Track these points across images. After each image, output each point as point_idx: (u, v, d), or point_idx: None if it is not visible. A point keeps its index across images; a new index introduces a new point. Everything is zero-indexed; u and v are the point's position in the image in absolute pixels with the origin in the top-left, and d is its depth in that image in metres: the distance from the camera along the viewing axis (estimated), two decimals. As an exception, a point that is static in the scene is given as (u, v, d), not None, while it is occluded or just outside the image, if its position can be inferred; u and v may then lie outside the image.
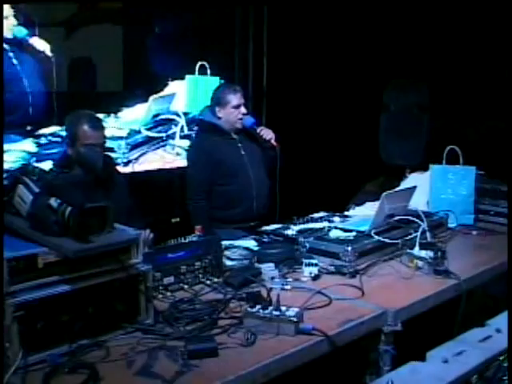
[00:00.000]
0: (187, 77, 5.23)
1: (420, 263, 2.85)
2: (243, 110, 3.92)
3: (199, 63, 5.24)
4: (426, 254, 2.86)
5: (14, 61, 4.23)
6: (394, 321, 2.39)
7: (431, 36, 5.58)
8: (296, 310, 2.20)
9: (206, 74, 5.28)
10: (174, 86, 5.16)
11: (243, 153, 3.95)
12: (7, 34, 4.19)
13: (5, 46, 4.17)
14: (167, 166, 5.13)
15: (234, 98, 3.89)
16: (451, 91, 5.47)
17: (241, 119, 3.93)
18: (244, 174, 3.91)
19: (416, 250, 2.91)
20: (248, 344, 2.07)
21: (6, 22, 4.13)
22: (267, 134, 3.95)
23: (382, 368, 2.37)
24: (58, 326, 1.98)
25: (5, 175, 2.25)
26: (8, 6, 4.13)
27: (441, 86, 5.50)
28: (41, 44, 4.32)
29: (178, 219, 5.26)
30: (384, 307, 2.41)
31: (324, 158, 5.64)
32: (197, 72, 5.26)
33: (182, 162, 5.14)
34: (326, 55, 5.80)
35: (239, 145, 3.96)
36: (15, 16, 4.20)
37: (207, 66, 5.27)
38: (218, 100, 3.93)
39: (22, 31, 4.23)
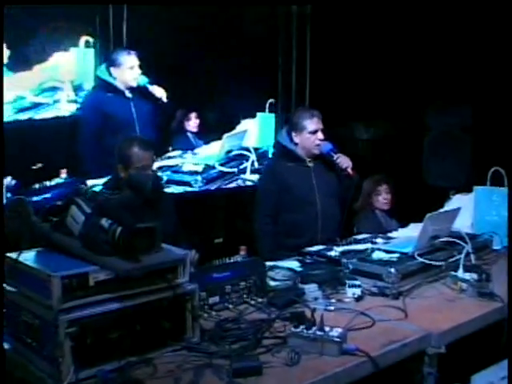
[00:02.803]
0: (258, 114, 5.46)
1: (464, 285, 2.83)
2: (320, 135, 3.79)
3: (269, 101, 5.51)
4: (471, 276, 2.85)
5: (133, 109, 4.51)
6: (438, 343, 2.37)
7: (474, 57, 5.56)
8: (339, 330, 2.21)
9: (276, 111, 5.56)
10: (245, 124, 5.38)
11: (314, 182, 3.84)
12: (133, 83, 4.50)
13: (127, 94, 4.51)
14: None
15: (311, 123, 3.77)
16: (494, 112, 5.43)
17: (318, 145, 3.80)
18: (311, 204, 3.80)
19: (460, 272, 2.89)
20: (292, 363, 2.09)
21: (132, 72, 4.46)
22: (344, 161, 3.80)
23: (426, 390, 2.36)
24: (107, 343, 2.03)
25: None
26: (135, 57, 4.45)
27: (484, 107, 5.46)
28: (159, 91, 4.62)
29: (220, 240, 5.33)
30: (428, 329, 2.40)
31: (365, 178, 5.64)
32: (267, 109, 5.50)
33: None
34: (367, 77, 5.83)
35: (312, 173, 3.85)
36: (140, 66, 4.49)
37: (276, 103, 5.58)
38: (294, 125, 3.83)
39: (144, 80, 4.55)
